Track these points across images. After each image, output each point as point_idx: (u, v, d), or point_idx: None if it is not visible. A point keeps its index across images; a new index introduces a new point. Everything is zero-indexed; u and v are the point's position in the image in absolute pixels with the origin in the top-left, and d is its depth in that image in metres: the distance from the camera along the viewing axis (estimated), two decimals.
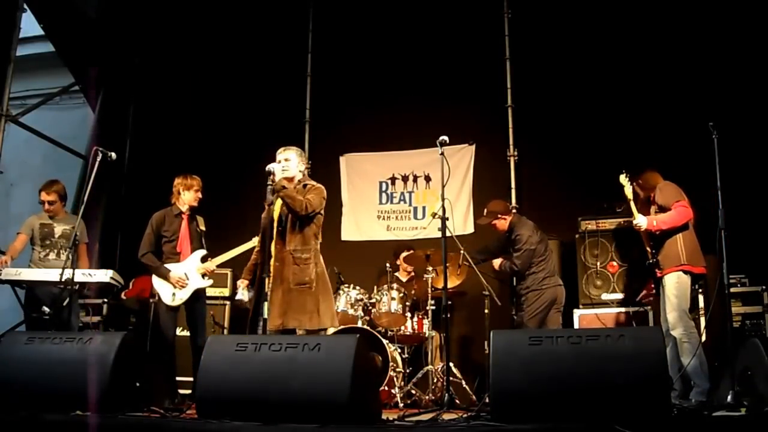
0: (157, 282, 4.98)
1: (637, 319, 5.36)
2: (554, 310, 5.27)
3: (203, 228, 5.17)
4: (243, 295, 4.53)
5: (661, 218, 4.45)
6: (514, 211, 5.75)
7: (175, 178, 5.22)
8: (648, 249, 4.55)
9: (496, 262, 5.55)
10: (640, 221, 4.49)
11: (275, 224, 4.19)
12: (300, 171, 4.40)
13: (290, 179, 4.29)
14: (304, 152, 7.07)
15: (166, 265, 4.96)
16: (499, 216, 5.52)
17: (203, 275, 5.02)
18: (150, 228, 5.06)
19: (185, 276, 4.96)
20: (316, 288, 4.23)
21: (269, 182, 4.09)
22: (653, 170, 4.74)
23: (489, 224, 5.59)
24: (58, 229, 5.36)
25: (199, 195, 5.17)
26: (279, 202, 4.23)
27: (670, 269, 4.38)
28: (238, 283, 4.68)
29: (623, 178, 4.64)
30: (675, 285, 4.32)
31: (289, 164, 4.32)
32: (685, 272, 4.35)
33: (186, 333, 5.18)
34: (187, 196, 5.11)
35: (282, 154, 4.38)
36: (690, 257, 4.35)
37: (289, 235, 4.22)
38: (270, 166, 4.13)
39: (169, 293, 4.94)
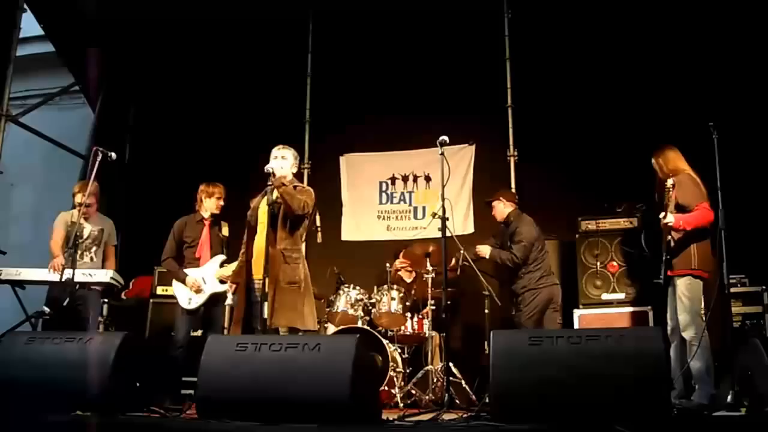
0: (175, 286, 5.11)
1: (637, 319, 5.36)
2: (551, 309, 5.26)
3: (226, 234, 5.25)
4: (233, 300, 4.46)
5: (687, 218, 4.24)
6: (516, 205, 5.70)
7: (200, 184, 5.35)
8: (664, 245, 4.41)
9: (485, 250, 5.38)
10: (669, 219, 4.30)
11: (266, 223, 4.18)
12: (292, 172, 4.47)
13: (283, 177, 4.32)
14: (304, 152, 7.17)
15: (185, 270, 5.08)
16: (502, 198, 5.49)
17: (221, 281, 5.05)
18: (171, 235, 5.21)
19: (202, 280, 5.04)
20: (304, 289, 4.28)
21: (269, 182, 4.12)
22: (676, 150, 4.51)
23: (489, 205, 5.57)
24: (87, 230, 5.32)
25: (221, 203, 5.27)
26: (265, 202, 4.24)
27: (681, 271, 4.32)
28: (227, 287, 4.67)
29: (670, 183, 4.31)
30: (687, 287, 4.26)
31: (284, 162, 4.39)
32: (695, 276, 4.30)
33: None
34: (208, 203, 5.24)
35: (279, 151, 4.44)
36: (701, 263, 4.26)
37: (280, 234, 4.24)
38: (269, 166, 4.17)
39: (185, 297, 5.06)
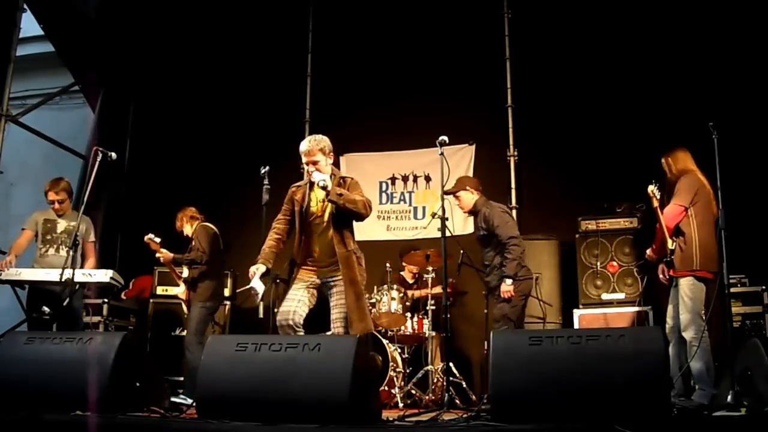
0: None
1: (637, 319, 5.36)
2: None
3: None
4: (257, 284, 3.97)
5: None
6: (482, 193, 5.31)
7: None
8: (668, 244, 4.36)
9: (507, 288, 4.85)
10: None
11: (319, 221, 4.01)
12: (330, 163, 4.11)
13: (335, 183, 4.01)
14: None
15: None
16: (468, 188, 5.18)
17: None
18: None
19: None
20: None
21: (265, 183, 4.09)
22: (686, 151, 4.48)
23: (453, 196, 5.23)
24: (62, 225, 5.32)
25: (180, 228, 5.57)
26: (317, 197, 4.03)
27: (683, 272, 4.30)
28: (253, 269, 4.01)
29: (653, 189, 4.35)
30: (690, 287, 4.25)
31: (323, 163, 4.02)
32: (698, 278, 4.29)
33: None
34: None
35: (307, 157, 4.01)
36: (703, 263, 4.25)
37: (346, 234, 4.01)
38: (321, 181, 3.85)
39: None
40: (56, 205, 5.31)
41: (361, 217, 4.03)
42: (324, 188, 3.87)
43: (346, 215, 3.99)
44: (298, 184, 4.22)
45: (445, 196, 4.38)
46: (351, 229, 4.08)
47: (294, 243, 4.11)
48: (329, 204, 3.96)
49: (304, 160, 4.04)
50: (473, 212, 5.22)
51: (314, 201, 4.06)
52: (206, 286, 5.30)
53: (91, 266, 5.33)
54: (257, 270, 3.99)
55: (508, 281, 4.80)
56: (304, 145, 4.06)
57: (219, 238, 5.51)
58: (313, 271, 4.08)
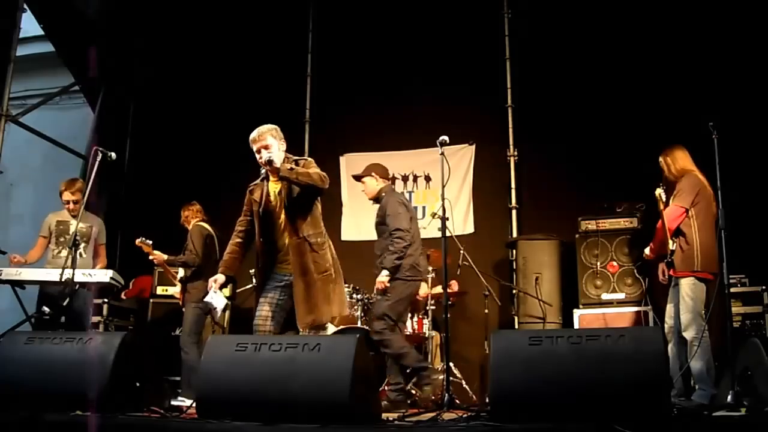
0: None
1: (637, 319, 5.36)
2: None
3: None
4: (214, 298, 3.82)
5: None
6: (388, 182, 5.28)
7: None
8: (669, 245, 4.37)
9: (383, 279, 4.79)
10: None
11: (280, 214, 3.83)
12: (282, 149, 3.94)
13: (285, 162, 3.86)
14: (304, 152, 7.16)
15: None
16: (374, 174, 5.11)
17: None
18: None
19: None
20: (335, 274, 3.88)
21: (263, 176, 3.94)
22: (684, 150, 4.50)
23: (359, 180, 5.27)
24: (75, 226, 5.33)
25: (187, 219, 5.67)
26: (274, 191, 3.88)
27: (684, 273, 4.30)
28: (211, 281, 3.87)
29: (660, 192, 4.35)
30: (691, 288, 4.25)
31: (274, 147, 3.86)
32: (699, 279, 4.29)
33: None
34: None
35: (258, 143, 3.85)
36: (704, 264, 4.25)
37: (299, 222, 3.78)
38: (266, 157, 3.71)
39: None
40: (71, 206, 5.31)
41: (320, 191, 3.82)
42: (270, 163, 3.67)
43: (301, 198, 3.78)
44: (255, 182, 3.99)
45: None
46: (307, 215, 3.82)
47: (255, 246, 3.92)
48: (286, 191, 3.78)
49: (254, 148, 3.85)
50: (376, 200, 5.16)
51: (273, 195, 3.88)
52: (200, 286, 5.29)
53: (103, 267, 5.34)
54: (216, 281, 3.83)
55: (384, 272, 4.77)
56: (252, 134, 3.90)
57: (213, 238, 5.51)
58: (288, 268, 3.83)
